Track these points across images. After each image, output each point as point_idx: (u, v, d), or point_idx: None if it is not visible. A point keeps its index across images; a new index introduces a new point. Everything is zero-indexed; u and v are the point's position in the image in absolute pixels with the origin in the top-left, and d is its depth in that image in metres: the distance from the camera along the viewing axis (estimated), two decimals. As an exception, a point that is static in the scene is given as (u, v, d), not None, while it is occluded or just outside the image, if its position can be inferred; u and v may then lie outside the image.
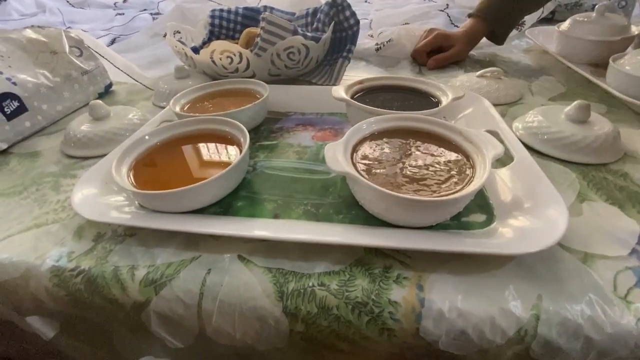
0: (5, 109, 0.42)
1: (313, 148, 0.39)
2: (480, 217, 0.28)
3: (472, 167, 0.28)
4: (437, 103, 0.40)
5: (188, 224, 0.27)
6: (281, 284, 0.24)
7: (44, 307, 0.27)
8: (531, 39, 0.67)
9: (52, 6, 1.06)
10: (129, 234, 0.29)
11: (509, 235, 0.25)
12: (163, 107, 0.51)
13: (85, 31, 0.88)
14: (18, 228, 0.30)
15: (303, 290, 0.24)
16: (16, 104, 0.43)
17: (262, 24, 0.48)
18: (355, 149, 0.31)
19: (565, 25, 0.61)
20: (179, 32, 0.63)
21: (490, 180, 0.31)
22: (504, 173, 0.32)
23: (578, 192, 0.32)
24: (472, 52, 0.68)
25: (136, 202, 0.30)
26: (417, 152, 0.31)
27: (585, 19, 0.59)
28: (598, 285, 0.23)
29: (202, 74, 0.56)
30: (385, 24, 0.81)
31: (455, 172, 0.28)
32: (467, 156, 0.29)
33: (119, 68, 0.56)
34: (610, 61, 0.49)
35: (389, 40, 0.66)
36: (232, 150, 0.34)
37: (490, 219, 0.28)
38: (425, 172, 0.28)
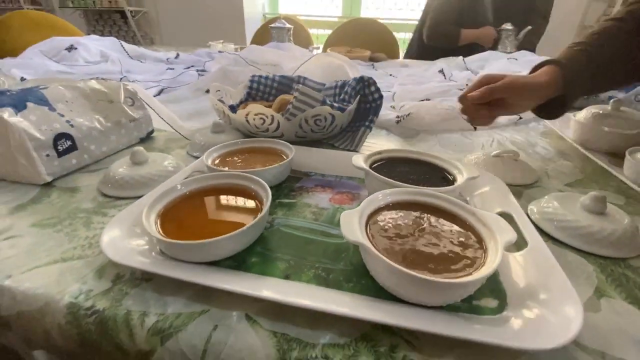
0: (59, 147, 0.46)
1: (329, 210, 0.41)
2: (492, 303, 0.28)
3: (484, 250, 0.29)
4: (452, 180, 0.42)
5: (201, 276, 0.28)
6: (284, 351, 0.24)
7: (53, 344, 0.28)
8: (548, 124, 0.71)
9: (115, 57, 1.21)
10: (146, 279, 0.30)
11: (521, 326, 0.25)
12: (197, 157, 0.56)
13: (139, 82, 1.00)
14: (46, 260, 0.32)
15: (306, 361, 0.24)
16: (69, 143, 0.48)
17: (295, 93, 0.54)
18: (370, 219, 0.32)
19: (581, 115, 0.64)
20: (220, 91, 0.70)
21: (503, 265, 0.31)
22: (517, 258, 0.32)
23: (596, 286, 0.31)
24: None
25: (158, 248, 0.32)
26: (431, 229, 0.32)
27: (601, 112, 0.62)
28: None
29: (236, 131, 0.61)
30: (406, 98, 0.87)
31: (467, 254, 0.28)
32: (480, 239, 0.30)
33: (162, 118, 0.62)
34: (627, 154, 0.50)
35: (409, 115, 0.71)
36: (254, 206, 0.36)
37: (502, 306, 0.28)
38: (438, 250, 0.29)
